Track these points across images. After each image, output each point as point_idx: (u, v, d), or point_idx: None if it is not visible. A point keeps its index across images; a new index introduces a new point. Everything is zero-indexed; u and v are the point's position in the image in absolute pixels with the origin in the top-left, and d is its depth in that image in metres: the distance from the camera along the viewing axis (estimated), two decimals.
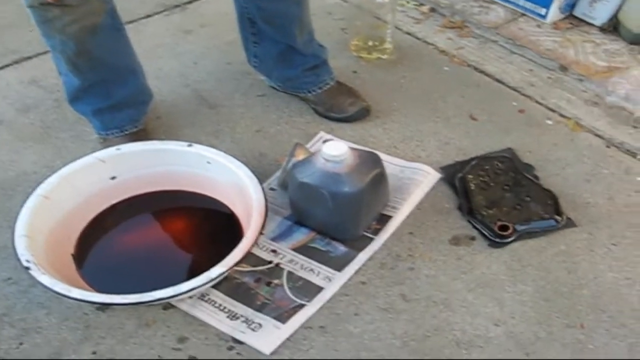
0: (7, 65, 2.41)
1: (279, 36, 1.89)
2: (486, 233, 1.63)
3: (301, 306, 1.47)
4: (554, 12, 2.41)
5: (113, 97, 1.83)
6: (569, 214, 1.68)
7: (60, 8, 1.57)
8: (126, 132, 1.89)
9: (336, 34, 2.41)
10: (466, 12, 2.50)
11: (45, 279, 1.36)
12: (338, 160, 1.50)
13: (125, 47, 1.84)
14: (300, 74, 1.98)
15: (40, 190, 1.58)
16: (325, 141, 1.72)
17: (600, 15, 2.39)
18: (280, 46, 1.92)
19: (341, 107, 1.99)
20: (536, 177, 1.78)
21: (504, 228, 1.62)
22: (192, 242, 1.66)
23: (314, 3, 2.48)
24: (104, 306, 1.48)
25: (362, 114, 1.99)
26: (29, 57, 2.45)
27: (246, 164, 1.62)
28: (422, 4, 2.56)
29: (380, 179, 1.59)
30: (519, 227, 1.63)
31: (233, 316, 1.45)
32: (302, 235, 1.64)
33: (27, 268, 1.37)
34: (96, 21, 1.65)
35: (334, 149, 1.50)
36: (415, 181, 1.76)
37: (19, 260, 1.40)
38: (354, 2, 2.21)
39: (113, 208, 1.72)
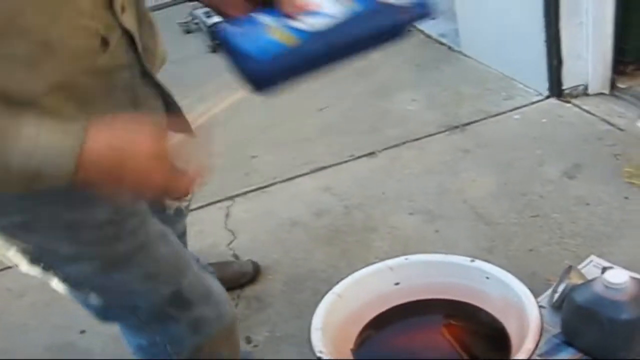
0: (305, 174, 2.62)
1: None
2: None
3: None
4: None
5: None
6: None
7: None
8: None
9: (608, 160, 2.35)
10: None
11: None
12: (619, 288, 1.48)
13: None
14: None
15: (337, 288, 1.69)
16: (604, 268, 1.69)
17: None
18: None
19: None
20: None
21: None
22: (462, 350, 1.67)
23: (586, 128, 2.48)
24: None
25: None
26: (324, 167, 2.65)
27: (521, 281, 1.62)
28: None
29: None
30: None
31: None
32: (568, 355, 1.61)
33: (319, 359, 1.46)
34: None
35: (615, 277, 1.48)
36: None
37: (312, 349, 1.48)
38: (630, 131, 2.16)
39: (392, 310, 1.78)
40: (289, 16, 0.92)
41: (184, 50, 4.52)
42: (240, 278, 2.05)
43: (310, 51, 0.90)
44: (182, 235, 1.72)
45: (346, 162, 2.67)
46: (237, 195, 2.53)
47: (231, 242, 2.26)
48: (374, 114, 3.05)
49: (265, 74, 0.89)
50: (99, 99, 1.01)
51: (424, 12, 0.97)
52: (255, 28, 0.92)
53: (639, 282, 1.53)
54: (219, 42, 0.96)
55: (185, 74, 3.94)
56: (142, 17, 1.14)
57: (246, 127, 3.17)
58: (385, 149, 2.72)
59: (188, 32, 4.91)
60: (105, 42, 0.97)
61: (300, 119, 3.18)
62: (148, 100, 1.16)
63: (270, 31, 0.91)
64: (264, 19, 0.94)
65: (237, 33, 0.93)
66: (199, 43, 4.60)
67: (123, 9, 1.00)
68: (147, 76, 1.13)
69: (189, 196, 1.53)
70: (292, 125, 3.14)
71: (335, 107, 3.24)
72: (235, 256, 2.19)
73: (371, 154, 2.70)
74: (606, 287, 1.49)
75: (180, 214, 1.58)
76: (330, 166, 2.65)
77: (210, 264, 1.93)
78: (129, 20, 1.03)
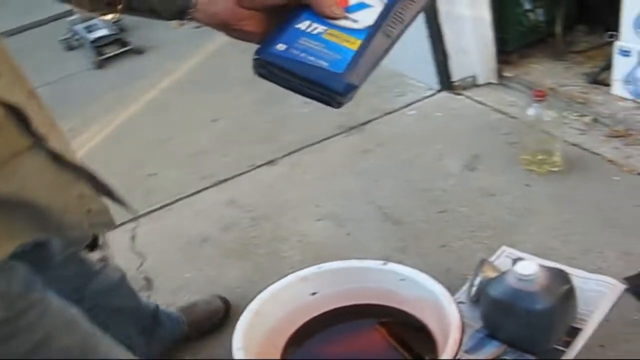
0: (208, 188, 2.56)
1: None
2: None
3: None
4: None
5: None
6: None
7: None
8: None
9: (505, 149, 2.38)
10: (628, 121, 2.41)
11: None
12: (530, 279, 1.49)
13: None
14: None
15: (253, 305, 1.65)
16: (515, 260, 1.71)
17: None
18: None
19: None
20: None
21: None
22: (387, 353, 1.66)
23: (481, 119, 2.52)
24: None
25: None
26: (226, 180, 2.59)
27: (436, 279, 1.62)
28: (584, 115, 2.51)
29: (570, 294, 1.55)
30: None
31: None
32: (493, 348, 1.61)
33: None
34: None
35: (525, 269, 1.50)
36: (600, 293, 1.70)
37: None
38: (523, 119, 2.20)
39: (312, 321, 1.75)
40: (330, 17, 0.82)
41: (67, 68, 4.38)
42: (212, 317, 1.90)
43: (375, 48, 0.82)
44: (122, 281, 1.63)
45: (247, 172, 2.62)
46: (141, 216, 2.43)
47: (141, 265, 2.17)
48: (269, 121, 3.01)
49: (347, 85, 0.80)
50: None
51: None
52: (310, 38, 0.82)
53: (548, 270, 1.55)
54: (269, 66, 0.82)
55: (70, 93, 3.82)
56: (28, 87, 0.97)
57: (141, 144, 3.09)
58: (285, 155, 2.68)
59: (70, 48, 4.73)
60: None
61: (194, 131, 3.11)
62: (69, 188, 1.00)
63: (329, 37, 0.82)
64: (306, 25, 0.83)
65: (292, 49, 0.81)
66: (82, 59, 4.45)
67: None
68: (59, 159, 0.96)
69: (101, 241, 1.43)
70: (187, 138, 3.07)
71: (228, 117, 3.18)
72: (147, 279, 2.10)
73: (271, 162, 2.65)
74: (518, 279, 1.51)
75: (105, 261, 1.49)
76: (231, 178, 2.59)
77: (180, 309, 1.87)
78: (8, 90, 0.86)
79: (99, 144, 3.11)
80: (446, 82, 2.89)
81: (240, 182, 2.56)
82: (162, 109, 3.45)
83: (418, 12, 0.88)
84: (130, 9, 0.86)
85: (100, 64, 4.30)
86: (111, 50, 4.34)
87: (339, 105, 0.82)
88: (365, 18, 0.83)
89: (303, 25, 0.83)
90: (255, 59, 0.83)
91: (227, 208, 2.40)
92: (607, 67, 2.56)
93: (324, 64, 0.80)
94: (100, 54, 4.31)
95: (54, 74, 4.14)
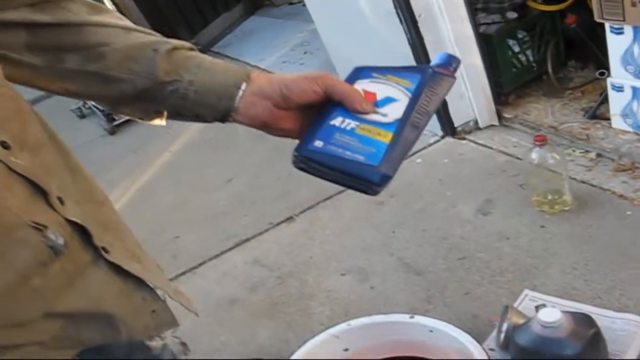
0: (231, 249, 2.59)
1: None
2: None
3: None
4: None
5: None
6: None
7: None
8: None
9: (515, 191, 2.38)
10: (633, 154, 2.41)
11: None
12: (555, 326, 1.51)
13: None
14: None
15: None
16: (538, 307, 1.73)
17: None
18: None
19: None
20: None
21: None
22: None
23: (488, 162, 2.54)
24: None
25: None
26: (247, 239, 2.62)
27: (463, 328, 1.62)
28: (587, 151, 2.52)
29: (597, 338, 1.55)
30: None
31: None
32: None
33: None
34: None
35: (549, 316, 1.51)
36: (630, 332, 1.68)
37: None
38: (528, 160, 2.21)
39: None
40: (361, 112, 0.86)
41: (81, 135, 4.44)
42: None
43: (405, 140, 0.85)
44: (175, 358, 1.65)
45: (267, 230, 2.63)
46: (170, 280, 2.45)
47: (175, 331, 2.19)
48: (281, 178, 3.03)
49: (383, 176, 0.84)
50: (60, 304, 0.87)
51: (458, 64, 0.99)
52: (345, 134, 0.86)
53: (572, 315, 1.56)
54: (309, 162, 0.86)
55: (88, 160, 3.83)
56: (98, 197, 0.99)
57: (160, 208, 3.12)
58: (302, 211, 2.70)
59: (82, 116, 4.82)
60: (54, 250, 0.82)
61: (210, 192, 3.13)
62: (132, 293, 0.99)
63: (362, 132, 0.86)
64: (339, 121, 0.87)
65: (329, 145, 0.85)
66: (94, 126, 4.52)
67: (61, 201, 0.85)
68: (120, 270, 0.95)
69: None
70: (205, 200, 3.10)
71: (241, 176, 3.22)
72: (183, 344, 2.12)
73: (289, 219, 2.67)
74: (543, 326, 1.52)
75: (165, 348, 1.52)
76: (253, 237, 2.61)
77: None
78: (73, 210, 0.87)
79: (119, 211, 3.14)
80: (449, 128, 2.91)
81: (262, 241, 2.59)
82: (177, 171, 3.50)
83: (440, 102, 0.93)
84: (176, 116, 0.92)
85: (113, 130, 4.37)
86: (121, 116, 4.40)
87: (375, 193, 0.84)
88: (394, 112, 0.86)
89: (336, 121, 0.87)
90: (295, 156, 0.87)
91: (252, 268, 2.42)
92: (604, 100, 2.57)
93: (361, 157, 0.83)
94: (111, 120, 4.37)
95: (69, 143, 4.11)
